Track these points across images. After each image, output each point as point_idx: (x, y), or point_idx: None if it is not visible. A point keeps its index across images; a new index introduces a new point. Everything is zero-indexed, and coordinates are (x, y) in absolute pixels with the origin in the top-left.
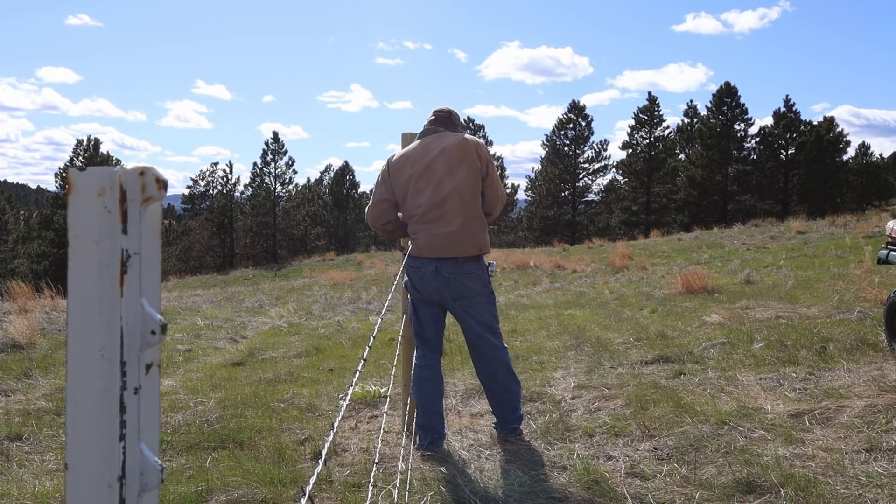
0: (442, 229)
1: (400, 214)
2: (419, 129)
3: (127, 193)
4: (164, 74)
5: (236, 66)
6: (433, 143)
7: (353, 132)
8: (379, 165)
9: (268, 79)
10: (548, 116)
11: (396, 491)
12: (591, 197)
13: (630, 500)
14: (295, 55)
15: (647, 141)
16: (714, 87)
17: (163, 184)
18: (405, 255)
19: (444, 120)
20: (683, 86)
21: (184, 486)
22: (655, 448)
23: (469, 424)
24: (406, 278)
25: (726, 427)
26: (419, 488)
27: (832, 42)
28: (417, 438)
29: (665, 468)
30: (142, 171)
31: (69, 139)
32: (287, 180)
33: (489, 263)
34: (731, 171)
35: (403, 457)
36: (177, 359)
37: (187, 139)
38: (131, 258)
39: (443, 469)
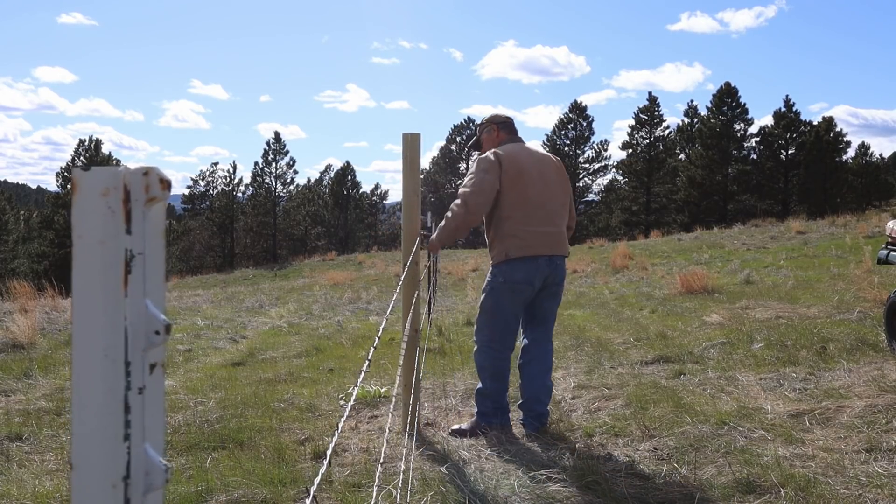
0: (555, 229)
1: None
2: (418, 129)
3: (131, 194)
4: (160, 74)
5: (232, 66)
6: (536, 152)
7: (350, 132)
8: (378, 165)
9: (264, 79)
10: (545, 116)
11: (398, 491)
12: (591, 197)
13: (630, 500)
14: (290, 55)
15: (648, 141)
16: (711, 87)
17: (167, 184)
18: (507, 257)
19: (517, 131)
20: (681, 85)
21: (184, 486)
22: (655, 448)
23: None
24: (501, 280)
25: (726, 427)
26: (419, 488)
27: (829, 41)
28: (496, 418)
29: (665, 468)
30: (146, 172)
31: (67, 139)
32: (288, 180)
33: None
34: (731, 171)
35: (404, 457)
36: (177, 359)
37: (185, 139)
38: (135, 258)
39: (443, 469)
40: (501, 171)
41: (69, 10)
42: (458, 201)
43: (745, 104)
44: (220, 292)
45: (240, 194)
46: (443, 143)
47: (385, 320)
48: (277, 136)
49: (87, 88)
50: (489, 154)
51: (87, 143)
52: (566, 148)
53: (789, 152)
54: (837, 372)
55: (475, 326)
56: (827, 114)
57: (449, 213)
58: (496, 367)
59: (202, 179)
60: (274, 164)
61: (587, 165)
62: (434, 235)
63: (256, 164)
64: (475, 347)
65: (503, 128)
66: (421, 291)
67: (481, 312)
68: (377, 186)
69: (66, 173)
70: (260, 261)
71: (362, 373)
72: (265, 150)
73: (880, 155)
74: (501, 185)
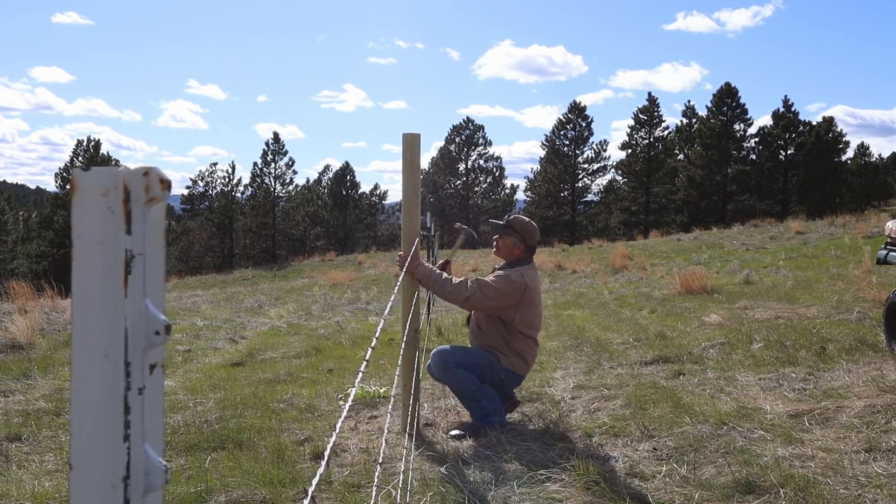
0: None
1: (504, 321)
2: (415, 130)
3: (131, 194)
4: (157, 74)
5: (228, 66)
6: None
7: (348, 132)
8: (377, 165)
9: (261, 78)
10: (543, 116)
11: (399, 492)
12: (590, 197)
13: (630, 500)
14: (286, 55)
15: (647, 141)
16: (709, 87)
17: (167, 184)
18: (511, 369)
19: None
20: (678, 85)
21: (183, 487)
22: (655, 448)
23: None
24: (502, 376)
25: (726, 427)
26: (419, 488)
27: (827, 41)
28: (494, 420)
29: (664, 468)
30: (146, 172)
31: (65, 139)
32: (287, 181)
33: None
34: (731, 172)
35: (403, 457)
36: (176, 359)
37: (183, 139)
38: (135, 259)
39: (442, 469)
40: (525, 292)
41: (64, 9)
42: (468, 290)
43: (744, 104)
44: (220, 293)
45: (239, 194)
46: (441, 143)
47: (384, 321)
48: (276, 136)
49: (85, 88)
50: (517, 277)
51: (85, 144)
52: (565, 148)
53: (788, 152)
54: (837, 372)
55: (448, 348)
56: (825, 113)
57: (453, 284)
58: (471, 378)
59: (201, 180)
60: (273, 165)
61: (586, 166)
62: (425, 268)
63: (255, 164)
64: (447, 372)
65: (528, 251)
66: (420, 291)
67: (470, 355)
68: (376, 186)
69: (64, 174)
70: (259, 261)
71: (360, 373)
72: (264, 150)
73: (879, 155)
74: (518, 306)
